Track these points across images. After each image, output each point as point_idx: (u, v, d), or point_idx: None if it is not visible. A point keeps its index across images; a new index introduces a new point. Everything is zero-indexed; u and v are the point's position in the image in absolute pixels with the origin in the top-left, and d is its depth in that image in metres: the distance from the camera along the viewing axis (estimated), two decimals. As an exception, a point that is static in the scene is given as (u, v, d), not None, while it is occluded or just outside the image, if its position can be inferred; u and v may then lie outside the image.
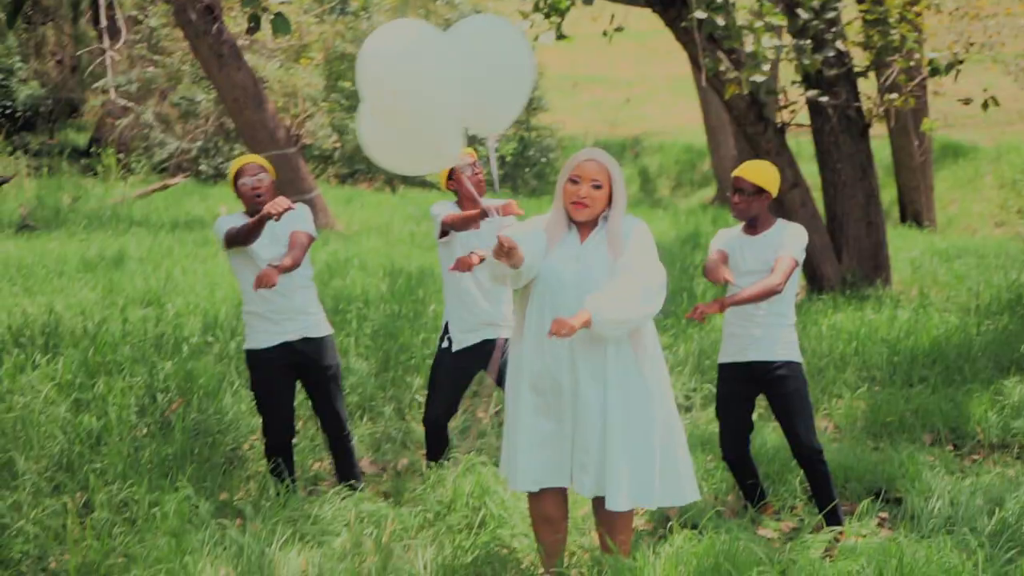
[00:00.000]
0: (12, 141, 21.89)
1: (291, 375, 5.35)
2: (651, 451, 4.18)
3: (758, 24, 9.06)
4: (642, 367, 4.20)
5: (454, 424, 6.48)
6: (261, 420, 5.32)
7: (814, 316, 8.85)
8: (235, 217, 5.26)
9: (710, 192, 23.88)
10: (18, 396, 5.66)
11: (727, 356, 5.30)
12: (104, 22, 20.11)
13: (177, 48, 22.53)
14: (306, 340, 5.31)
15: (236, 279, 5.33)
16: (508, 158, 23.34)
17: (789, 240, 5.08)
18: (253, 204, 5.20)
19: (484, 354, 5.50)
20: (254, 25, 7.40)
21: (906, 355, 7.57)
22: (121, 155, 21.92)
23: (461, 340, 5.54)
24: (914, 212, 16.91)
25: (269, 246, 5.19)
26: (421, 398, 6.68)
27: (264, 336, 5.25)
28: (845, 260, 10.46)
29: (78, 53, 27.21)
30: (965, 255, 12.29)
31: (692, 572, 4.05)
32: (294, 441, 5.45)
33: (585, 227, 4.26)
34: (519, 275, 4.12)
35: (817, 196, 10.65)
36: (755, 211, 5.12)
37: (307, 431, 6.21)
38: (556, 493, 4.34)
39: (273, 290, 5.10)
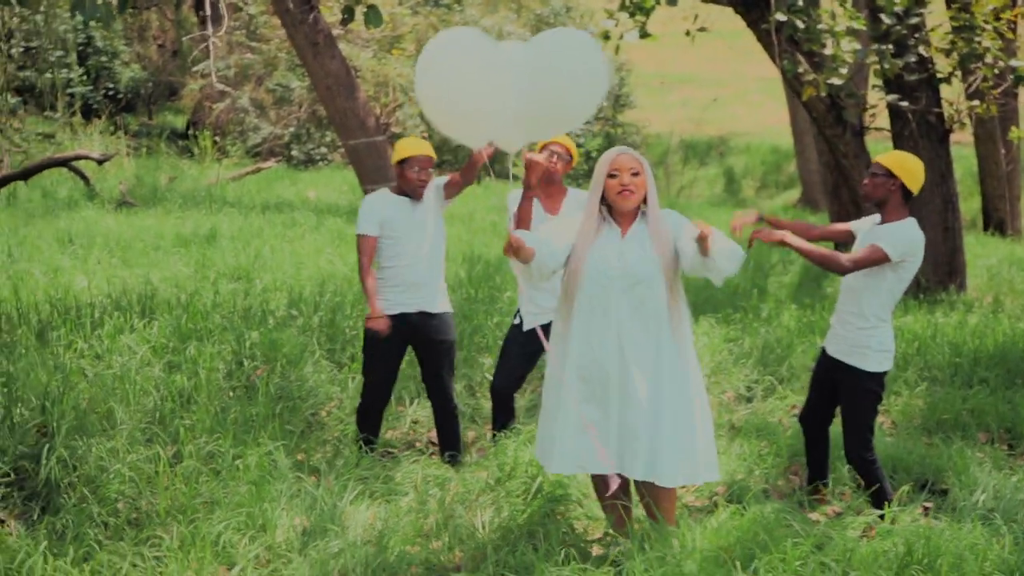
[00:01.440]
0: (114, 121, 22.66)
1: (403, 345, 5.71)
2: (693, 433, 4.44)
3: (838, 28, 9.23)
4: (684, 357, 4.46)
5: (522, 403, 6.78)
6: (362, 381, 5.69)
7: (883, 317, 8.98)
8: (380, 198, 5.66)
9: (795, 194, 23.89)
10: (116, 356, 6.09)
11: (825, 341, 5.39)
12: (209, 10, 20.71)
13: (274, 36, 23.15)
14: (423, 314, 5.67)
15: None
16: (593, 154, 23.57)
17: (892, 234, 4.96)
18: (416, 191, 5.60)
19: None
20: (348, 16, 7.77)
21: (969, 357, 7.69)
22: (216, 138, 22.59)
23: (530, 321, 5.84)
24: (998, 221, 16.81)
25: (408, 226, 5.60)
26: (491, 376, 6.98)
27: (385, 304, 5.61)
28: (920, 264, 10.54)
29: (182, 39, 28.05)
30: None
31: (731, 542, 4.30)
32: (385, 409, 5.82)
33: (624, 221, 4.52)
34: (529, 270, 4.41)
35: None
36: (881, 194, 5.04)
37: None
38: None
39: (400, 260, 5.55)
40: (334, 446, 5.75)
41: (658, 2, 10.35)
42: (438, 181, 5.73)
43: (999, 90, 11.07)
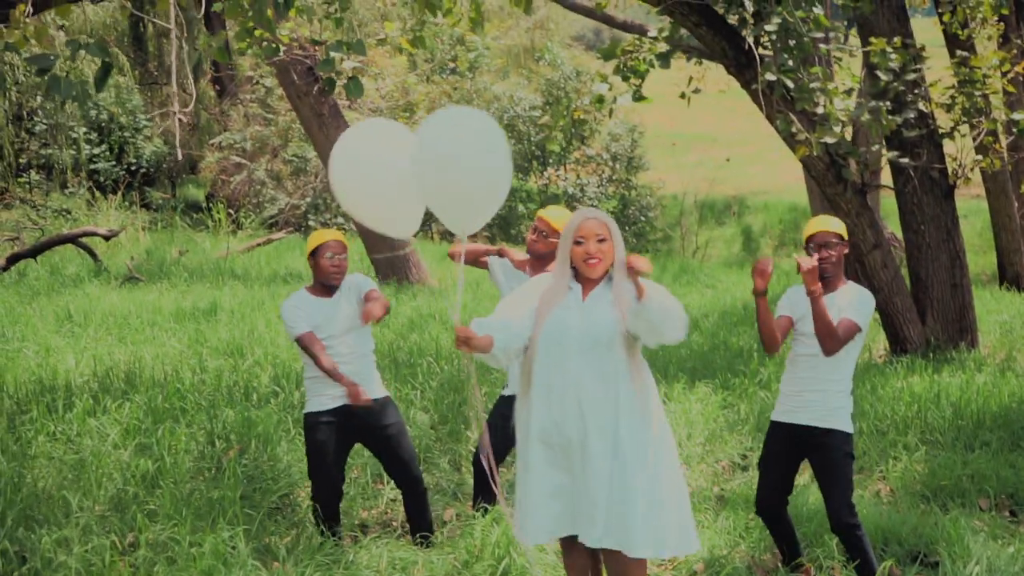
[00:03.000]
0: (128, 196, 22.85)
1: (348, 439, 5.52)
2: (660, 501, 4.25)
3: (831, 86, 9.11)
4: (648, 420, 4.28)
5: (508, 476, 6.61)
6: (311, 484, 5.51)
7: (887, 378, 8.77)
8: (300, 298, 5.47)
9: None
10: (87, 439, 5.99)
11: (778, 414, 5.28)
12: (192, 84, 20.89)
13: (286, 108, 23.35)
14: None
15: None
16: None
17: (856, 304, 4.97)
18: (330, 278, 5.43)
19: None
20: (328, 88, 7.75)
21: (972, 419, 7.47)
22: (231, 210, 22.71)
23: (515, 388, 5.70)
24: (1013, 275, 16.56)
25: (333, 322, 5.41)
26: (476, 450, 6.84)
27: (322, 400, 5.43)
28: (929, 322, 10.34)
29: (200, 112, 28.34)
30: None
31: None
32: (341, 502, 5.64)
33: (588, 285, 4.39)
34: (495, 358, 4.27)
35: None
36: (841, 267, 5.02)
37: (362, 477, 6.40)
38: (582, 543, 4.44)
39: (336, 357, 5.36)
40: (304, 528, 5.60)
41: (652, 66, 10.32)
42: (360, 283, 5.55)
43: (1004, 145, 10.91)
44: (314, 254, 5.46)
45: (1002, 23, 14.05)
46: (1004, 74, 10.26)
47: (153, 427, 6.23)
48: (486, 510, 5.47)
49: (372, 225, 4.76)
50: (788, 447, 5.20)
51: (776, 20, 8.72)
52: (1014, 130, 10.67)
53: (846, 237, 5.05)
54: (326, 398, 5.44)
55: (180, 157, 19.61)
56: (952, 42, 12.30)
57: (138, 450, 5.98)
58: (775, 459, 5.28)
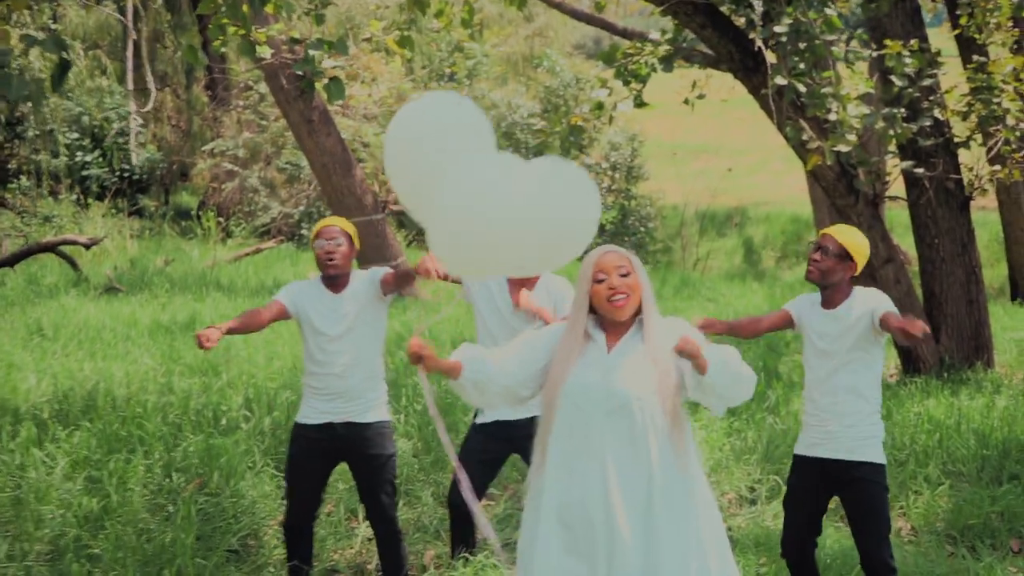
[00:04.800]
0: (115, 204, 22.33)
1: (329, 459, 5.02)
2: None
3: (844, 91, 8.60)
4: (692, 494, 3.62)
5: (497, 510, 6.08)
6: (286, 502, 5.00)
7: (902, 401, 8.23)
8: (305, 283, 5.00)
9: (816, 264, 23.17)
10: (32, 471, 5.44)
11: (800, 447, 4.77)
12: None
13: (279, 113, 22.84)
14: (349, 425, 4.94)
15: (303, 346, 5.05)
16: (607, 226, 22.95)
17: (876, 300, 4.53)
18: (325, 268, 4.93)
19: (515, 434, 5.09)
20: (308, 89, 7.23)
21: (997, 448, 6.94)
22: (221, 219, 22.18)
23: (487, 413, 5.15)
24: (1027, 290, 16.03)
25: (331, 321, 4.90)
26: (461, 483, 6.31)
27: (310, 411, 4.96)
28: (944, 341, 9.82)
29: (193, 118, 27.87)
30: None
31: None
32: (315, 526, 5.10)
33: (613, 334, 3.73)
34: (463, 388, 3.63)
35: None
36: (834, 278, 4.57)
37: (335, 514, 5.86)
38: None
39: (330, 366, 4.87)
40: (272, 572, 5.05)
41: (654, 69, 9.80)
42: (374, 273, 5.05)
43: (1022, 154, 10.40)
44: (314, 243, 4.94)
45: (1017, 28, 13.53)
46: (1019, 79, 9.75)
47: (105, 458, 5.68)
48: (467, 560, 4.93)
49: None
50: (814, 484, 4.69)
51: (787, 21, 8.19)
52: (1029, 140, 10.16)
53: (854, 256, 4.55)
54: (314, 411, 4.94)
55: (136, 160, 18.97)
56: (966, 48, 11.79)
57: (87, 484, 5.42)
58: (800, 497, 4.76)
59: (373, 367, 5.00)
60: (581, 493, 3.56)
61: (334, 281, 4.93)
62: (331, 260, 4.88)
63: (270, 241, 19.98)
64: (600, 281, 3.65)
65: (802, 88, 8.29)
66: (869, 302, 4.52)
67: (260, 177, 23.42)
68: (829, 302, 4.63)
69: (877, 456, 4.56)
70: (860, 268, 4.60)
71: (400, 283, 4.92)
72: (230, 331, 4.74)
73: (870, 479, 4.53)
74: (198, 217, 22.03)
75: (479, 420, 5.20)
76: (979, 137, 10.02)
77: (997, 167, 9.91)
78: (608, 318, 3.69)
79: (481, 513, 3.97)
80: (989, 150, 10.30)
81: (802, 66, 8.44)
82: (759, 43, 8.21)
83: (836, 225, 4.75)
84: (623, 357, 3.65)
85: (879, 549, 4.53)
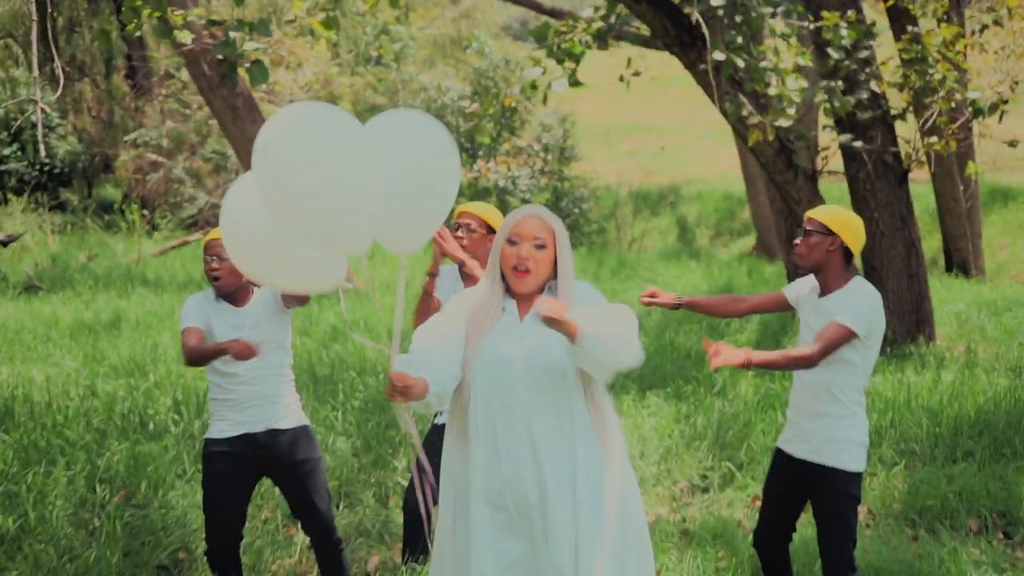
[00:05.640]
0: (35, 198, 21.65)
1: (251, 473, 4.69)
2: (626, 565, 3.43)
3: (783, 65, 8.43)
4: (611, 466, 3.45)
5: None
6: (205, 524, 4.66)
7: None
8: (202, 298, 4.66)
9: (750, 241, 23.13)
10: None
11: (781, 440, 4.53)
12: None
13: (203, 101, 22.31)
14: (272, 432, 4.63)
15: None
16: (541, 210, 22.68)
17: (851, 306, 4.17)
18: (212, 284, 4.60)
19: None
20: (230, 72, 6.88)
21: (949, 426, 6.82)
22: (146, 211, 21.61)
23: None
24: (960, 261, 16.06)
25: (233, 335, 4.55)
26: (404, 482, 6.03)
27: (224, 425, 4.61)
28: (885, 316, 9.71)
29: (114, 109, 27.20)
30: (1015, 307, 11.46)
31: None
32: (241, 546, 4.77)
33: (525, 301, 3.53)
34: (428, 404, 3.31)
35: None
36: (819, 258, 4.24)
37: (272, 521, 5.56)
38: None
39: (239, 377, 4.53)
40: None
41: (587, 47, 9.57)
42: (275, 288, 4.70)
43: (957, 124, 10.33)
44: (204, 254, 4.60)
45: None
46: (950, 48, 9.66)
47: (23, 471, 5.32)
48: (414, 569, 4.66)
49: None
50: (788, 480, 4.46)
51: (723, -6, 7.99)
52: (968, 109, 10.09)
53: (835, 229, 4.23)
54: (227, 424, 4.61)
55: (43, 153, 18.61)
56: (896, 20, 11.70)
57: (2, 501, 5.07)
58: (775, 492, 4.54)
59: (284, 371, 4.71)
60: (512, 471, 3.38)
61: (231, 296, 4.63)
62: (216, 278, 4.57)
63: (197, 233, 19.48)
64: (512, 243, 3.46)
65: (741, 63, 8.10)
66: (843, 300, 4.22)
67: (185, 167, 22.88)
68: (823, 288, 4.32)
69: (847, 463, 4.25)
70: (852, 243, 4.24)
71: (301, 299, 4.64)
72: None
73: (837, 486, 4.25)
74: (122, 210, 21.45)
75: (439, 420, 4.94)
76: (913, 109, 9.93)
77: (934, 139, 9.82)
78: (510, 286, 3.50)
79: (431, 519, 3.70)
80: (925, 122, 10.23)
81: (740, 40, 8.26)
82: (696, 16, 7.99)
83: (821, 207, 4.42)
84: (537, 325, 3.42)
85: (839, 558, 4.27)
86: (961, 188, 15.85)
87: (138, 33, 6.77)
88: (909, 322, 9.79)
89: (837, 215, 4.28)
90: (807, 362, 4.11)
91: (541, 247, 3.44)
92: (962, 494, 5.88)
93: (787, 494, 4.48)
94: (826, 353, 4.11)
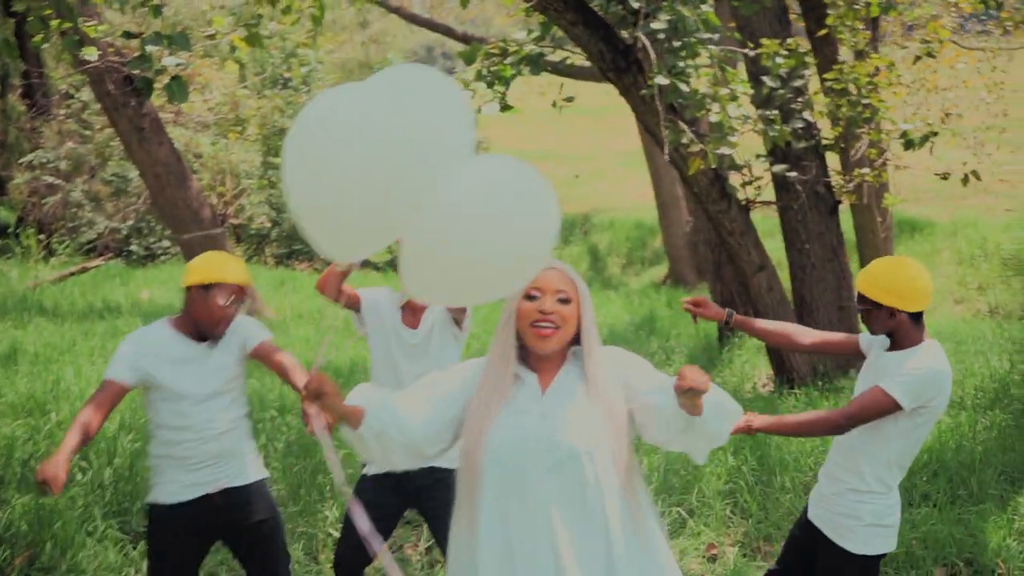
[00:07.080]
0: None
1: (205, 539, 4.21)
2: None
3: (723, 92, 8.19)
4: (653, 560, 2.96)
5: (415, 557, 5.39)
6: None
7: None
8: (154, 333, 4.13)
9: (662, 270, 23.02)
10: None
11: (810, 498, 4.11)
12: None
13: (105, 122, 21.53)
14: (227, 492, 4.15)
15: (147, 412, 4.17)
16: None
17: (903, 369, 3.66)
18: (215, 328, 4.07)
19: (411, 486, 4.47)
20: (145, 88, 6.39)
21: (902, 467, 6.57)
22: (43, 236, 20.73)
23: (379, 467, 4.44)
24: (880, 292, 16.08)
25: (197, 380, 4.07)
26: (337, 533, 5.58)
27: (174, 488, 4.09)
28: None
29: (8, 128, 26.17)
30: (943, 340, 11.39)
31: None
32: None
33: (546, 370, 3.04)
34: (362, 440, 2.89)
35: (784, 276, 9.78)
36: (882, 331, 3.76)
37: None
38: None
39: (190, 435, 4.03)
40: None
41: (519, 71, 9.24)
42: (248, 332, 4.19)
43: (884, 156, 10.24)
44: (205, 290, 4.01)
45: (869, 31, 13.52)
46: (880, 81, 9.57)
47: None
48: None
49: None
50: (805, 541, 4.04)
51: (665, 17, 7.72)
52: (899, 140, 10.01)
53: (884, 302, 3.70)
54: (179, 486, 4.08)
55: None
56: (821, 50, 11.63)
57: None
58: (793, 548, 4.14)
59: (241, 417, 4.24)
60: (527, 571, 2.87)
61: (205, 334, 4.12)
62: (229, 322, 4.08)
63: (97, 259, 18.67)
64: (532, 298, 2.99)
65: (684, 88, 7.83)
66: (904, 379, 3.65)
67: (84, 190, 22.08)
68: (892, 343, 3.82)
69: (856, 544, 3.78)
70: (910, 307, 3.69)
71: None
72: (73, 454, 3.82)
73: (833, 564, 3.84)
74: (16, 235, 20.49)
75: (369, 471, 4.51)
76: (843, 140, 9.82)
77: (866, 170, 9.73)
78: (531, 349, 3.01)
79: (391, 560, 3.21)
80: (853, 153, 10.13)
81: (681, 65, 8.00)
82: (643, 39, 7.71)
83: (868, 267, 3.87)
84: (562, 396, 2.98)
85: None
86: (879, 220, 15.88)
87: (46, 45, 6.24)
88: (840, 356, 9.61)
89: (880, 283, 3.74)
90: (832, 428, 3.70)
91: (566, 301, 3.00)
92: (926, 541, 5.62)
93: (802, 555, 4.09)
94: (858, 421, 3.68)
